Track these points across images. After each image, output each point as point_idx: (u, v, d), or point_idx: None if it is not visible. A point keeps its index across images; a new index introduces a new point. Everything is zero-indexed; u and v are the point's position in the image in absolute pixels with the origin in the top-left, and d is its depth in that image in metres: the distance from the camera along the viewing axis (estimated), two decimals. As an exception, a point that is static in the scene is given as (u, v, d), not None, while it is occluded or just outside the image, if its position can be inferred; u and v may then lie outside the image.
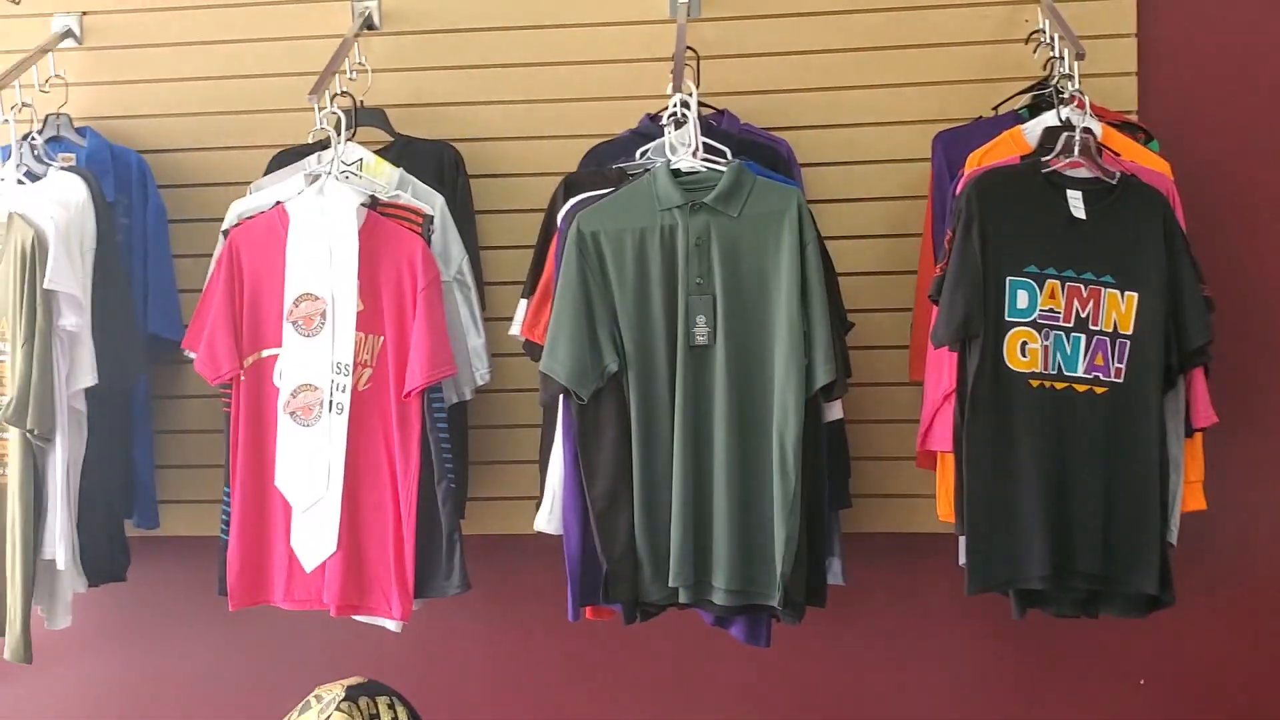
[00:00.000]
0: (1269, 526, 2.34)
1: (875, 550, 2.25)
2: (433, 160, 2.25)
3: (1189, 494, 1.99)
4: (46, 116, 2.29)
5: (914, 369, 2.18)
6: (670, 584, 1.92)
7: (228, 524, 2.10)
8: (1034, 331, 1.93)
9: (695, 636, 2.14)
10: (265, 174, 2.24)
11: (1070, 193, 1.95)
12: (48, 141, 2.26)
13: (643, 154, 2.08)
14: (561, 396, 1.96)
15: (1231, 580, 2.33)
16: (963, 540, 1.94)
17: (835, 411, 2.04)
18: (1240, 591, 2.34)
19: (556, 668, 2.41)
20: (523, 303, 2.11)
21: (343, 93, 2.18)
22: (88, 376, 2.11)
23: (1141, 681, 2.35)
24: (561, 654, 2.39)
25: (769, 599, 1.91)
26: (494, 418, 2.32)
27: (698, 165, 1.98)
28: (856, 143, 2.27)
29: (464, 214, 2.25)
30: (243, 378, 2.09)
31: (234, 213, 2.14)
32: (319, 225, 2.07)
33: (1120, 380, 1.93)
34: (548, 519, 2.02)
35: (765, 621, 2.01)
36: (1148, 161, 2.03)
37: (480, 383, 2.20)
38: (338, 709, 1.69)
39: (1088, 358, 1.93)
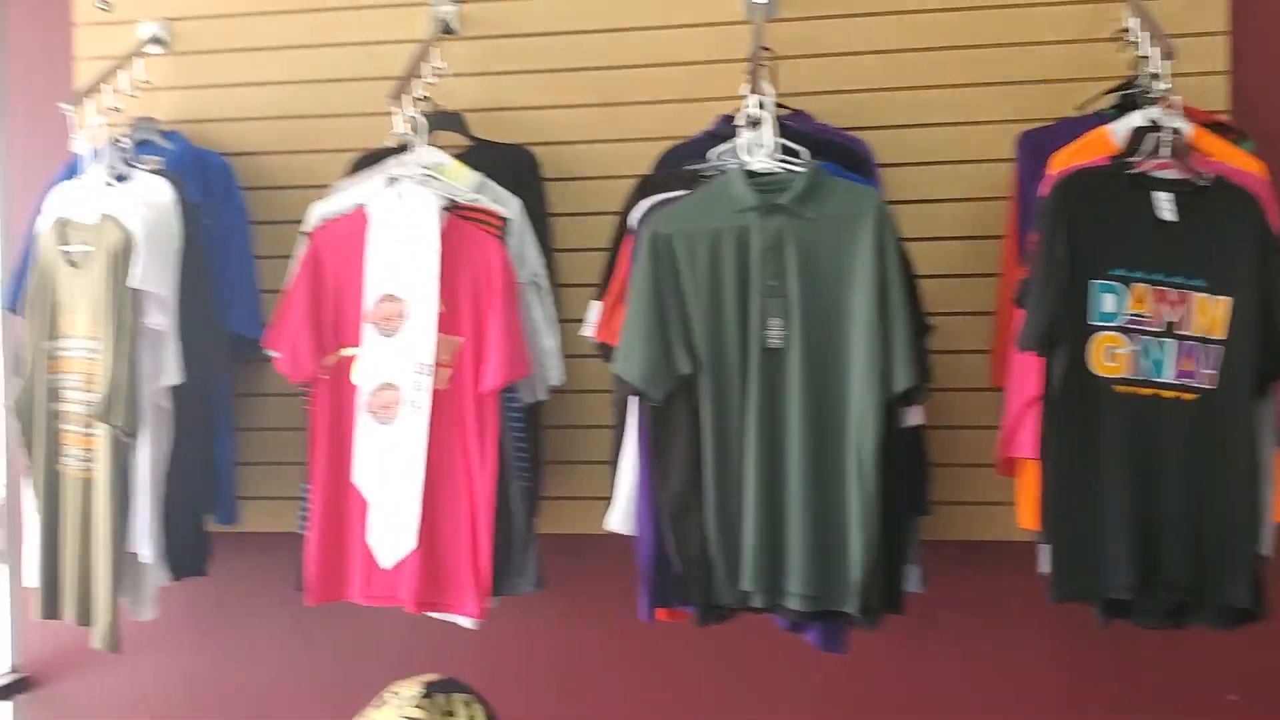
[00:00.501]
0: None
1: (954, 558, 2.21)
2: (509, 163, 2.26)
3: (1282, 505, 1.93)
4: (135, 120, 2.35)
5: (995, 374, 2.14)
6: (744, 588, 1.91)
7: (306, 520, 2.13)
8: (1121, 336, 1.88)
9: (769, 640, 2.12)
10: (345, 177, 2.27)
11: (1159, 194, 1.90)
12: (136, 145, 2.31)
13: (717, 155, 2.06)
14: (634, 398, 1.96)
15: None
16: (1046, 548, 1.90)
17: (914, 417, 2.00)
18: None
19: (629, 668, 2.41)
20: (596, 304, 2.12)
21: (422, 97, 2.20)
22: (173, 374, 2.16)
23: (1232, 697, 2.28)
24: (634, 654, 2.39)
25: (845, 605, 1.89)
26: (567, 418, 2.33)
27: (773, 166, 1.96)
28: (937, 143, 2.23)
29: (539, 217, 2.25)
30: (323, 376, 2.12)
31: (316, 215, 2.18)
32: (399, 228, 2.09)
33: (1211, 387, 1.87)
34: (620, 519, 2.03)
35: (841, 627, 1.98)
36: (1240, 162, 1.97)
37: (554, 384, 2.20)
38: (415, 705, 1.70)
39: (1176, 363, 1.88)
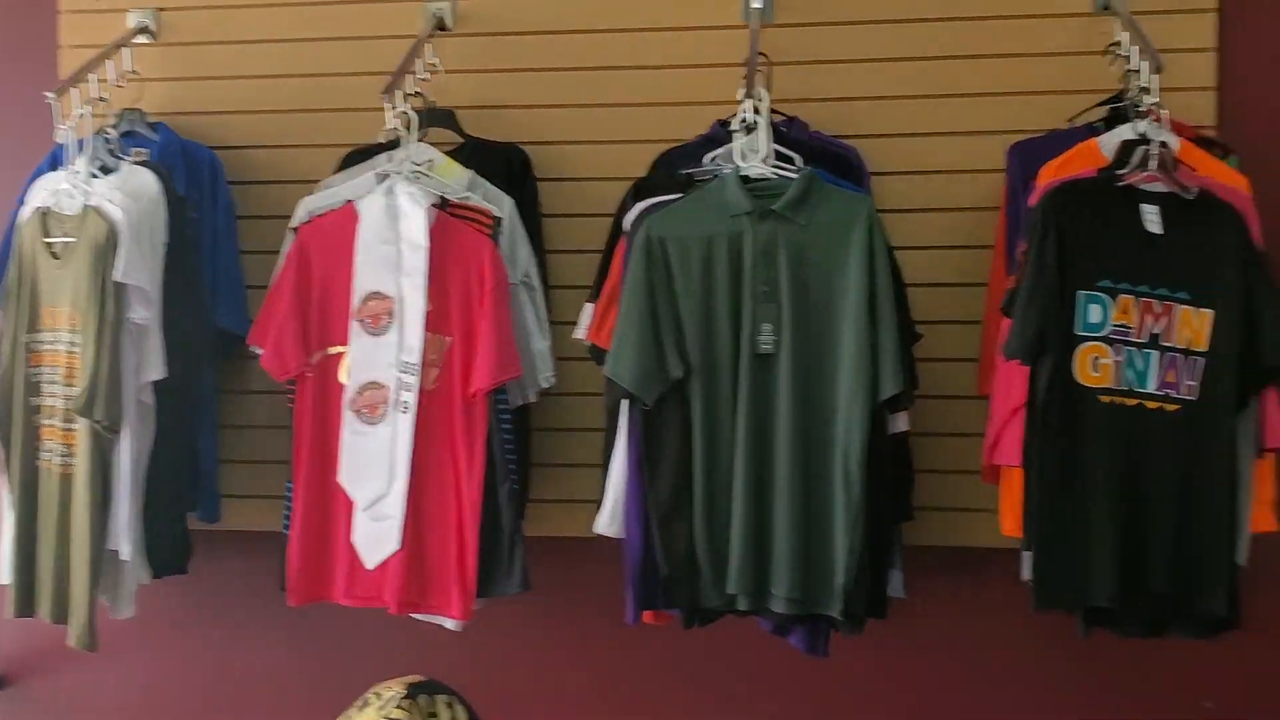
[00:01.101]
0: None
1: (937, 564, 2.23)
2: (502, 162, 2.25)
3: (1260, 515, 1.96)
4: (121, 111, 2.32)
5: (982, 383, 2.16)
6: (729, 591, 1.92)
7: (290, 519, 2.11)
8: (1106, 347, 1.91)
9: (753, 643, 2.13)
10: (336, 173, 2.25)
11: (1145, 207, 1.93)
12: (122, 136, 2.28)
13: (711, 159, 2.07)
14: (625, 401, 1.97)
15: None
16: (1028, 556, 1.92)
17: (900, 423, 2.02)
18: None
19: (614, 670, 2.41)
20: (588, 306, 2.12)
21: (414, 93, 2.19)
22: (156, 369, 2.13)
23: (1209, 705, 2.31)
24: (619, 657, 2.39)
25: (829, 609, 1.90)
26: (557, 421, 2.33)
27: (767, 172, 1.98)
28: (929, 152, 2.25)
29: (531, 217, 2.25)
30: (308, 374, 2.10)
31: (304, 210, 2.16)
32: (389, 225, 2.08)
33: (1192, 398, 1.90)
34: (608, 522, 2.03)
35: (824, 631, 2.00)
36: (1225, 177, 2.00)
37: (544, 386, 2.20)
38: (397, 707, 1.69)
39: (1160, 374, 1.91)
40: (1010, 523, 1.98)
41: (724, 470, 1.93)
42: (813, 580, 1.90)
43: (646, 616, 1.99)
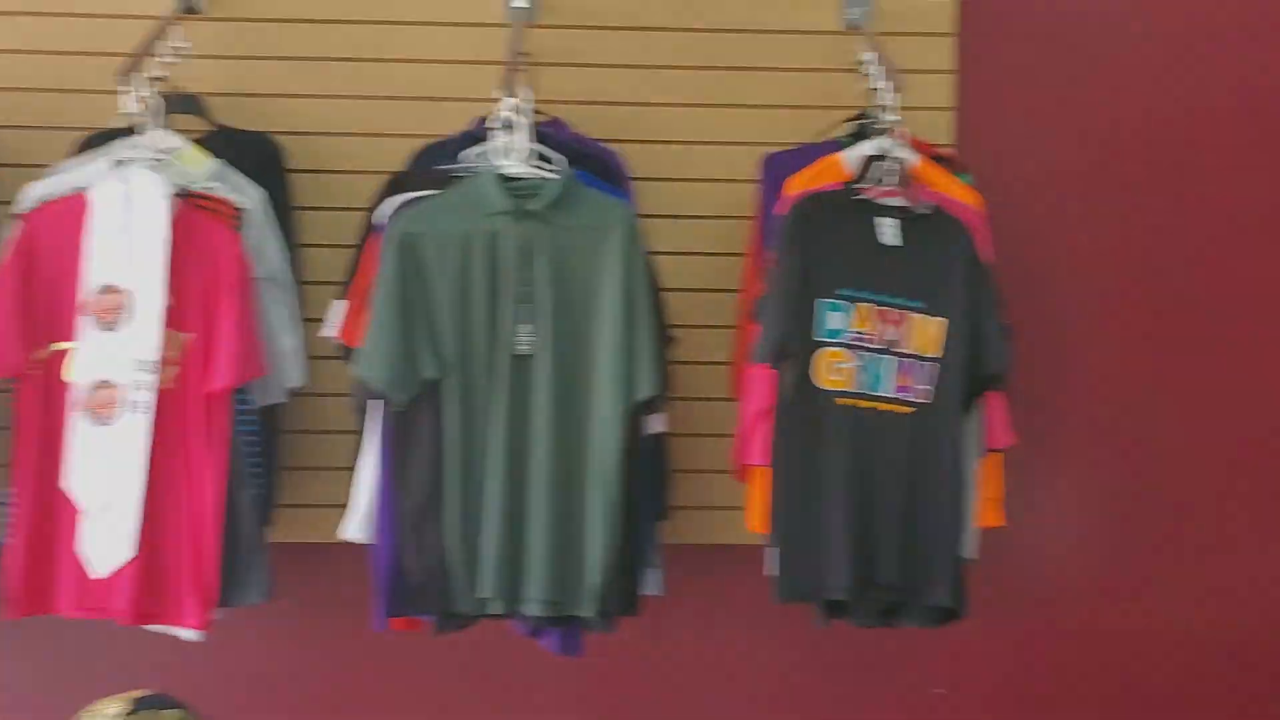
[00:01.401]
0: (1064, 542, 2.50)
1: (692, 561, 2.28)
2: (252, 152, 2.17)
3: (987, 511, 2.10)
4: None
5: (736, 385, 2.22)
6: (483, 595, 1.91)
7: (9, 527, 1.97)
8: (845, 352, 1.99)
9: (506, 647, 2.13)
10: (70, 158, 2.11)
11: (884, 220, 2.03)
12: None
13: (470, 157, 2.05)
14: (376, 401, 1.93)
15: (1028, 593, 2.47)
16: (773, 551, 1.99)
17: (657, 424, 2.06)
18: (1036, 603, 2.48)
19: (362, 679, 2.37)
20: (339, 304, 2.06)
21: (159, 77, 2.08)
22: None
23: (939, 690, 2.46)
24: (368, 665, 2.35)
25: (583, 609, 1.92)
26: (307, 422, 2.26)
27: (527, 172, 1.97)
28: (688, 160, 2.30)
29: (283, 210, 2.17)
30: (32, 372, 1.97)
31: (31, 196, 2.02)
32: (124, 214, 1.97)
33: (925, 401, 2.01)
34: (357, 527, 1.98)
35: (579, 632, 2.02)
36: (959, 193, 2.13)
37: (294, 385, 2.13)
38: (121, 725, 1.61)
39: (894, 379, 2.01)
40: (756, 519, 2.05)
41: (478, 472, 1.91)
42: (567, 581, 1.91)
43: (396, 623, 1.96)
